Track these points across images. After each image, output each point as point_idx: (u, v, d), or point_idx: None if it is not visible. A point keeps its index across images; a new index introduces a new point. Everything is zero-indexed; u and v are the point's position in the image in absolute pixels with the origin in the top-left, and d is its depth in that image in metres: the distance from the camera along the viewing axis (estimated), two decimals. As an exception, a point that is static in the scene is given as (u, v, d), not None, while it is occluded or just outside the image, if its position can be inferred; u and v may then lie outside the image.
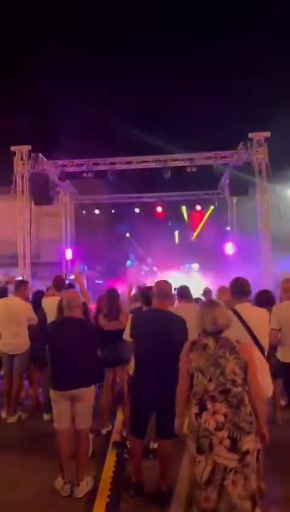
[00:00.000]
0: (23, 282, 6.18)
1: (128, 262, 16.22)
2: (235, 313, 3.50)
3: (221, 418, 2.53)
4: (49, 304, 5.30)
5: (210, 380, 2.61)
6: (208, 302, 2.94)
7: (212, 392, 2.59)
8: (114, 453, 4.42)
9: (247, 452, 2.50)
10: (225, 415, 2.53)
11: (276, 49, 19.12)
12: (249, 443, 2.52)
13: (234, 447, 2.49)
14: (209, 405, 2.57)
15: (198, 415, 2.60)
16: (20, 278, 8.98)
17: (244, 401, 2.58)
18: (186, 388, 2.75)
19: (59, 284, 5.75)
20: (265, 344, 3.51)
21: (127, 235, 18.69)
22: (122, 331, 4.18)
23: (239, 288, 3.77)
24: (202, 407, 2.59)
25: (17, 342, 5.57)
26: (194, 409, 2.63)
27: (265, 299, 4.97)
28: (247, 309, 3.60)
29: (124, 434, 4.62)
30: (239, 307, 3.56)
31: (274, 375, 4.84)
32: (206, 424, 2.54)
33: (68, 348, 3.68)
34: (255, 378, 2.66)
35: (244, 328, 3.40)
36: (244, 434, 2.51)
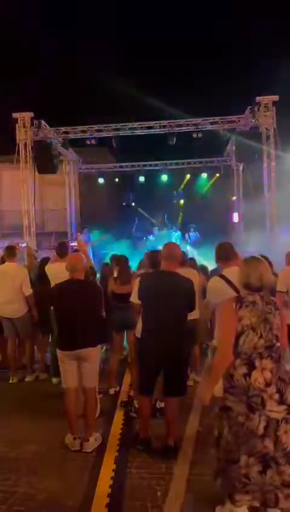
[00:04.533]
0: (11, 247, 5.97)
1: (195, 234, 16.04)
2: (223, 277, 3.51)
3: (268, 374, 2.54)
4: (52, 270, 5.32)
5: (261, 336, 2.58)
6: (253, 259, 2.82)
7: (260, 348, 2.58)
8: (122, 412, 4.52)
9: None
10: (271, 371, 2.55)
11: (285, 12, 18.28)
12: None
13: (282, 399, 2.53)
14: (257, 363, 2.56)
15: (247, 375, 2.56)
16: (24, 245, 8.96)
17: (280, 354, 2.63)
18: (232, 348, 2.61)
19: (62, 250, 5.72)
20: None
21: (133, 204, 18.54)
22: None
23: (224, 253, 3.79)
24: (251, 366, 2.57)
25: (13, 307, 5.63)
26: (242, 369, 2.58)
27: None
28: (234, 273, 3.57)
29: (132, 394, 4.72)
30: (226, 272, 3.55)
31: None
32: (257, 383, 2.53)
33: (74, 308, 3.72)
34: (285, 330, 2.80)
35: (235, 292, 3.37)
36: (287, 385, 2.57)
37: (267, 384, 2.54)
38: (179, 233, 15.90)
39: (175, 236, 15.55)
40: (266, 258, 5.18)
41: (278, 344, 2.62)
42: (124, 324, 4.94)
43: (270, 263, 5.13)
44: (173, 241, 15.14)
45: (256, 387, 2.53)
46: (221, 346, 2.66)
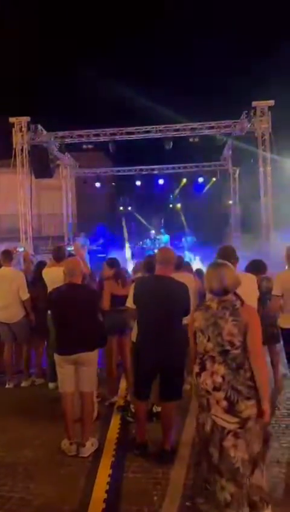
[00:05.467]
0: (7, 251, 5.92)
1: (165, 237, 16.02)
2: None
3: (218, 379, 2.53)
4: (50, 275, 5.31)
5: (209, 339, 2.60)
6: (216, 263, 2.86)
7: (212, 352, 2.59)
8: (118, 416, 4.51)
9: (248, 418, 2.49)
10: (223, 377, 2.52)
11: (280, 17, 18.46)
12: (250, 409, 2.50)
13: (231, 409, 2.49)
14: (208, 365, 2.58)
15: (198, 374, 2.62)
16: (21, 250, 8.96)
17: (244, 365, 2.54)
18: (194, 347, 2.77)
19: (59, 255, 5.72)
20: None
21: (129, 208, 18.59)
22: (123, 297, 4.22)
23: (225, 257, 3.79)
24: (202, 367, 2.61)
25: (11, 311, 5.62)
26: (195, 368, 2.66)
27: (255, 268, 5.00)
28: None
29: (128, 398, 4.71)
30: None
31: (273, 341, 4.92)
32: (204, 384, 2.56)
33: (71, 313, 3.72)
34: (254, 341, 2.57)
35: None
36: (243, 398, 2.49)
37: (216, 389, 2.52)
38: (167, 236, 15.93)
39: (163, 239, 15.59)
40: (262, 262, 5.26)
41: (237, 352, 2.53)
42: (120, 327, 4.91)
43: (265, 266, 5.19)
44: (161, 244, 15.26)
45: (203, 387, 2.56)
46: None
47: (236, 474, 2.46)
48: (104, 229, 16.57)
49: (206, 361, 2.60)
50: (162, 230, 16.47)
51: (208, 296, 2.78)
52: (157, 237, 16.09)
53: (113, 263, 5.35)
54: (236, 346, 2.54)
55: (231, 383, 2.51)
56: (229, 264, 2.83)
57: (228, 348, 2.54)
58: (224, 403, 2.50)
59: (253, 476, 2.50)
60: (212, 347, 2.58)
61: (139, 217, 17.98)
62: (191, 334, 2.77)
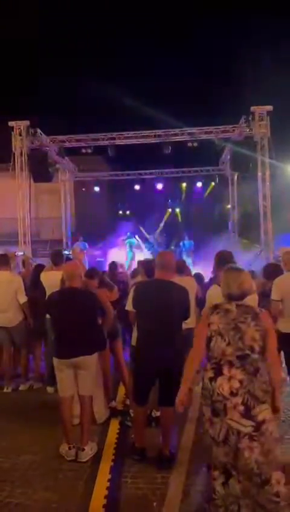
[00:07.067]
0: (3, 255, 5.89)
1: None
2: None
3: (236, 384, 2.51)
4: (48, 278, 5.31)
5: (229, 343, 2.57)
6: (233, 268, 2.87)
7: (230, 356, 2.56)
8: (117, 421, 4.49)
9: (263, 422, 2.49)
10: (241, 382, 2.51)
11: (279, 23, 18.61)
12: (264, 412, 2.51)
13: (247, 413, 2.48)
14: (225, 370, 2.55)
15: (213, 379, 2.57)
16: (21, 253, 8.94)
17: (261, 369, 2.56)
18: (201, 353, 2.70)
19: (57, 259, 5.72)
20: None
21: (128, 212, 18.60)
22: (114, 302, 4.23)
23: (223, 262, 3.82)
24: (218, 372, 2.57)
25: (8, 315, 5.59)
26: (209, 373, 2.60)
27: (272, 272, 4.99)
28: None
29: (127, 402, 4.69)
30: None
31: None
32: (220, 389, 2.52)
33: (70, 316, 3.72)
34: (274, 347, 2.67)
35: None
36: (259, 402, 2.50)
37: (233, 394, 2.50)
38: (131, 240, 15.73)
39: (128, 242, 15.52)
40: (278, 266, 5.23)
41: (256, 356, 2.56)
42: (110, 332, 4.88)
43: (280, 272, 5.17)
44: (128, 247, 15.20)
45: (220, 393, 2.53)
46: (191, 350, 2.82)
47: (251, 474, 2.46)
48: (103, 233, 16.51)
49: (223, 365, 2.56)
50: (128, 234, 16.09)
51: (223, 300, 2.75)
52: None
53: (93, 273, 5.28)
54: (256, 351, 2.56)
55: (247, 388, 2.51)
56: (245, 270, 2.84)
57: (248, 352, 2.55)
58: (241, 408, 2.49)
59: (271, 480, 2.47)
60: (232, 351, 2.56)
61: (142, 230, 17.73)
62: (201, 337, 2.70)
